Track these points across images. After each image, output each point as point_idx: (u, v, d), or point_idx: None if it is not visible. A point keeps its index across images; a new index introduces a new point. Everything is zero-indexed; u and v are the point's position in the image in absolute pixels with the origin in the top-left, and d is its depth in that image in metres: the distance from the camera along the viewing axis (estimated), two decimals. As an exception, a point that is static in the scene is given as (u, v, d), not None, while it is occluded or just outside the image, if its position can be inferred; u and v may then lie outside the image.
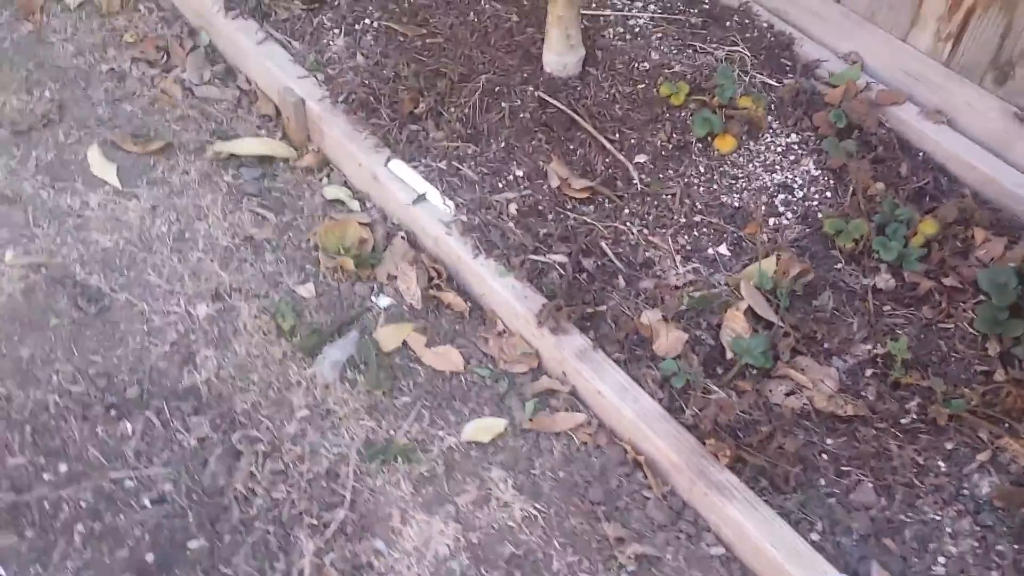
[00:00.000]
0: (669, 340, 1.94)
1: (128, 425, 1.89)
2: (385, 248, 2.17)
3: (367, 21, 2.50)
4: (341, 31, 2.47)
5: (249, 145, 2.35)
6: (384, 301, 2.11)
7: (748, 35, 2.55)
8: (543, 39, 2.39)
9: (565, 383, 1.96)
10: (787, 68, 2.48)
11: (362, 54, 2.42)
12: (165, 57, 2.54)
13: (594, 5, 2.60)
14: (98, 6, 2.64)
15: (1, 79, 2.44)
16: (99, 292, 2.05)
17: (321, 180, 2.32)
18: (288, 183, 2.30)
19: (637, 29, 2.55)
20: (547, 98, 2.32)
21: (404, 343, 2.05)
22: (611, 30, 2.54)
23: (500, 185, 2.19)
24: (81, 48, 2.54)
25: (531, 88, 2.34)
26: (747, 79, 2.43)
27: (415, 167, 2.20)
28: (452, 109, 2.31)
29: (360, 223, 2.20)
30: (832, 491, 1.82)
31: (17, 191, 2.21)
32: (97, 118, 2.38)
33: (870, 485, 1.82)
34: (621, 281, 2.04)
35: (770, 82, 2.43)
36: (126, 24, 2.60)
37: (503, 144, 2.25)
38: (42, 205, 2.19)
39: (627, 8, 2.61)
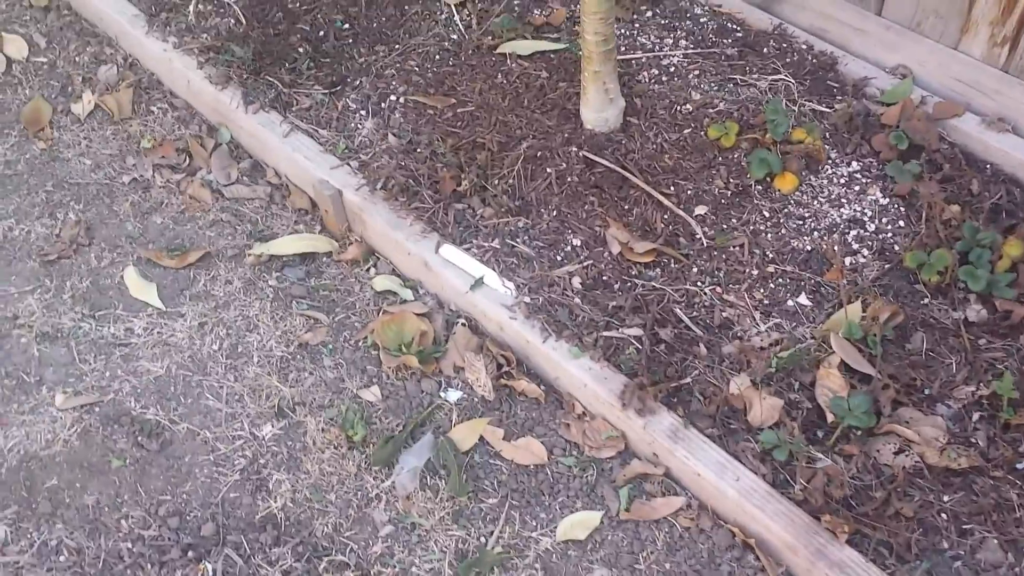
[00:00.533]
0: (764, 408, 1.83)
1: (208, 566, 1.79)
2: (447, 339, 2.07)
3: (392, 98, 2.40)
4: (368, 112, 2.37)
5: (289, 244, 2.25)
6: (454, 395, 2.01)
7: (788, 60, 2.44)
8: (578, 93, 2.28)
9: (658, 465, 1.85)
10: (835, 90, 2.37)
11: (393, 134, 2.32)
12: (187, 159, 2.44)
13: (623, 49, 2.49)
14: (109, 113, 2.54)
15: (21, 205, 2.34)
16: (158, 425, 1.96)
17: (368, 271, 2.22)
18: (335, 279, 2.20)
19: (672, 69, 2.44)
20: (593, 157, 2.21)
21: (481, 439, 1.95)
22: (645, 73, 2.43)
23: (559, 258, 2.08)
24: (99, 161, 2.44)
25: (574, 148, 2.24)
26: (796, 108, 2.32)
27: (467, 249, 2.10)
28: (496, 182, 2.20)
29: (417, 314, 2.09)
30: (957, 553, 1.70)
31: (57, 327, 2.11)
32: (128, 235, 2.28)
33: (995, 541, 1.71)
34: (702, 348, 1.93)
35: (820, 108, 2.32)
36: (141, 129, 2.50)
37: (555, 213, 2.15)
38: (85, 338, 2.09)
39: (657, 47, 2.50)
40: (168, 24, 2.59)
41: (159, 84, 2.62)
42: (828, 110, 2.31)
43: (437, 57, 2.49)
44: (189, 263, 2.22)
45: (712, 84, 2.39)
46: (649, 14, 2.59)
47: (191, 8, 2.61)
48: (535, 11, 2.60)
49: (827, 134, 2.26)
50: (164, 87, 2.61)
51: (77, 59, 2.69)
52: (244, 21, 2.57)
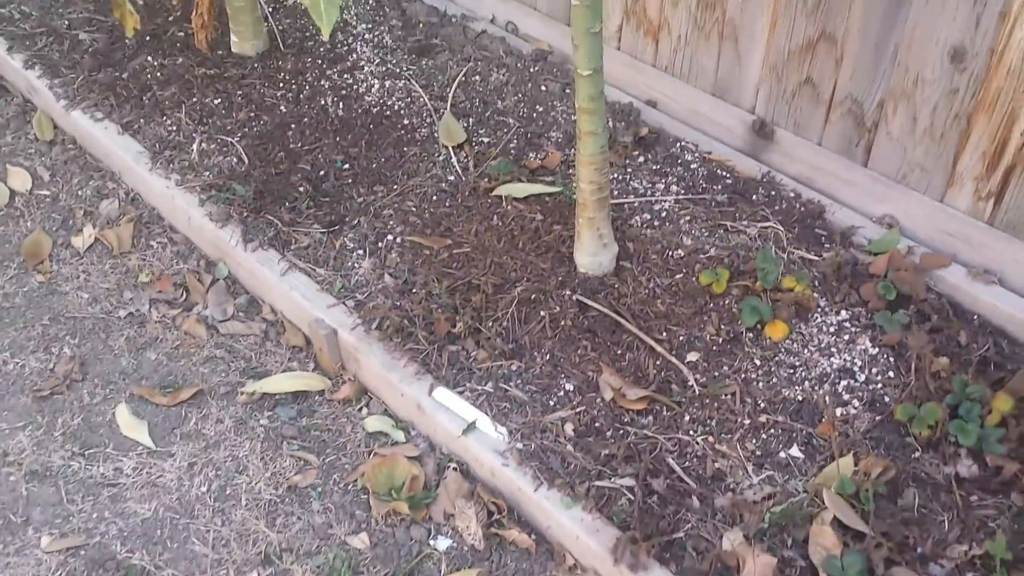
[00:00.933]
0: (758, 567, 1.81)
1: None
2: (438, 483, 2.06)
3: (390, 237, 2.44)
4: (365, 251, 2.41)
5: (282, 382, 2.25)
6: (443, 544, 1.99)
7: (777, 207, 2.50)
8: (572, 236, 2.33)
9: (650, 620, 1.82)
10: (823, 238, 2.42)
11: (389, 274, 2.35)
12: (184, 294, 2.46)
13: (616, 193, 2.55)
14: (109, 247, 2.58)
15: (17, 339, 2.35)
16: (143, 571, 1.92)
17: (360, 410, 2.22)
18: (327, 418, 2.20)
19: (664, 214, 2.49)
20: (586, 301, 2.24)
21: (470, 590, 1.92)
22: (638, 218, 2.48)
23: (552, 403, 2.09)
24: (96, 295, 2.46)
25: (568, 292, 2.27)
26: (785, 256, 2.36)
27: (460, 392, 2.11)
28: (490, 324, 2.22)
29: (408, 457, 2.09)
30: None
31: (46, 465, 2.09)
32: (121, 371, 2.29)
33: None
34: (695, 501, 1.92)
35: (809, 256, 2.36)
36: (139, 263, 2.53)
37: (548, 356, 2.17)
38: (74, 477, 2.07)
39: (649, 192, 2.56)
40: (172, 161, 2.64)
41: (160, 219, 2.66)
42: (817, 258, 2.36)
43: (434, 198, 2.54)
44: (181, 400, 2.22)
45: (703, 230, 2.44)
46: (641, 159, 2.66)
47: (194, 147, 2.67)
48: (531, 154, 2.67)
49: (816, 282, 2.30)
50: (165, 222, 2.65)
51: (79, 193, 2.74)
52: (246, 160, 2.63)
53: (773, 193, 2.55)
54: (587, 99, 2.06)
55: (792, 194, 2.54)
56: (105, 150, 2.78)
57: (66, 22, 3.17)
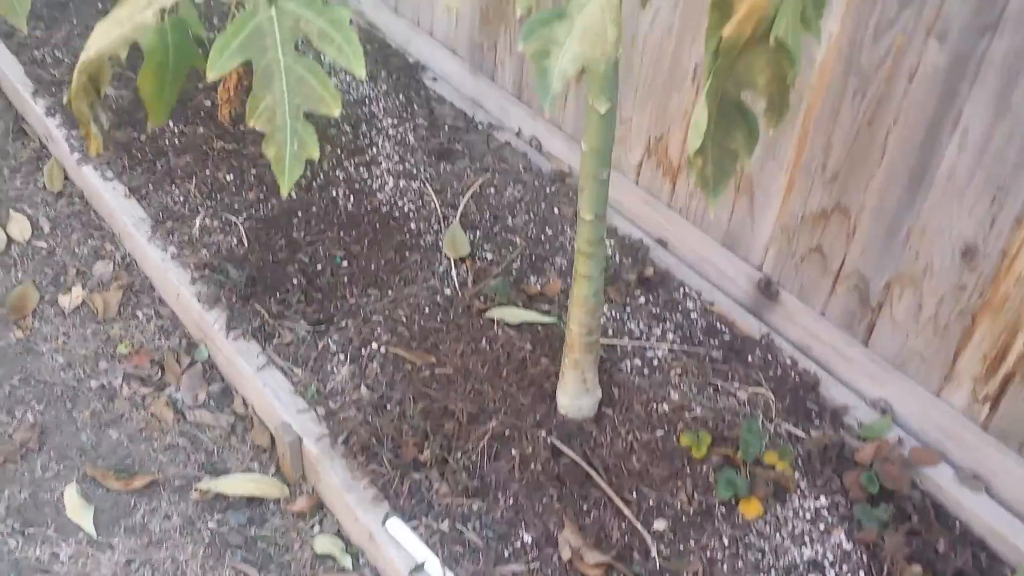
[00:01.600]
0: None
1: None
2: (378, 619, 1.99)
3: (375, 346, 2.39)
4: (347, 357, 2.36)
5: (238, 484, 2.19)
6: None
7: (772, 372, 2.44)
8: (558, 372, 2.28)
9: None
10: (814, 413, 2.36)
11: (367, 385, 2.30)
12: (159, 372, 2.42)
13: (610, 332, 2.50)
14: (94, 311, 2.54)
15: (-17, 397, 2.31)
16: (57, 670, 1.86)
17: (313, 527, 2.15)
18: (277, 531, 2.13)
19: (656, 362, 2.44)
20: (560, 446, 2.18)
21: None
22: (628, 362, 2.43)
23: (506, 553, 2.01)
24: (72, 360, 2.42)
25: (544, 433, 2.21)
26: (772, 427, 2.30)
27: (415, 527, 2.04)
28: (459, 455, 2.16)
29: (352, 585, 2.02)
30: None
31: (-17, 538, 2.04)
32: (80, 447, 2.23)
33: None
34: None
35: (797, 432, 2.30)
36: (121, 333, 2.50)
37: (512, 501, 2.10)
38: (8, 556, 2.01)
39: (645, 336, 2.51)
40: (172, 233, 2.62)
41: (151, 289, 2.63)
42: (804, 435, 2.29)
43: (427, 310, 2.50)
44: (134, 488, 2.16)
45: (693, 386, 2.38)
46: (643, 300, 2.62)
47: (197, 221, 2.65)
48: (532, 278, 2.64)
49: (799, 461, 2.23)
50: (155, 293, 2.62)
51: (77, 250, 2.72)
52: (247, 243, 2.61)
53: (770, 357, 2.49)
54: (586, 243, 2.02)
55: (789, 360, 2.48)
56: (109, 210, 2.77)
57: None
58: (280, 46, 1.26)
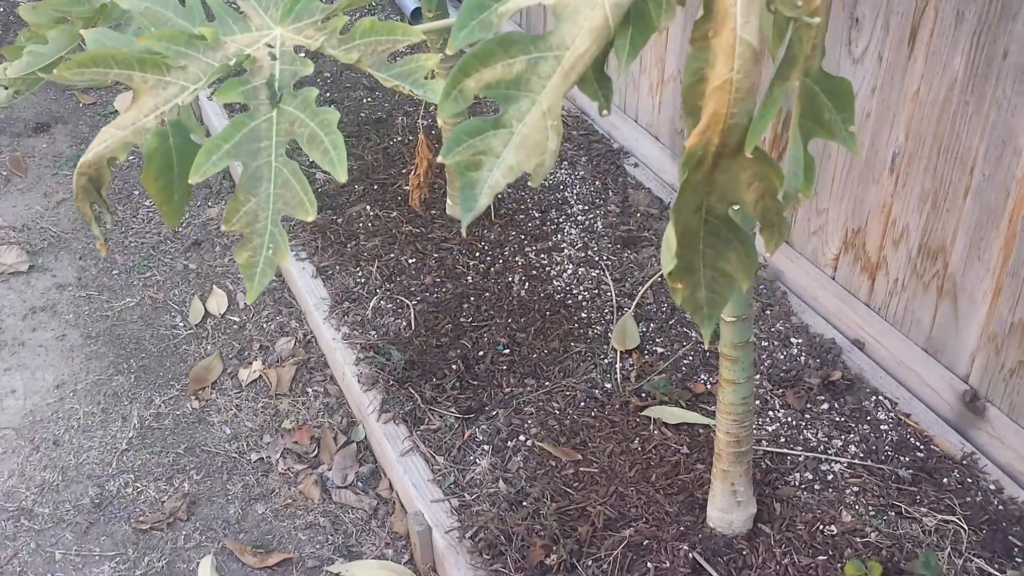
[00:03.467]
0: None
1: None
2: None
3: (521, 438, 2.30)
4: (491, 448, 2.28)
5: (369, 570, 2.15)
6: None
7: (968, 499, 2.11)
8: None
9: None
10: (1015, 551, 2.00)
11: (505, 479, 2.20)
12: (316, 450, 2.44)
13: (782, 440, 2.27)
14: (268, 385, 2.63)
15: (148, 463, 2.42)
16: None
17: (436, 623, 2.07)
18: (399, 623, 2.07)
19: (830, 477, 2.17)
20: (703, 563, 1.98)
21: None
22: (798, 475, 2.18)
23: None
24: (238, 432, 2.50)
25: (686, 546, 2.01)
26: (960, 563, 1.97)
27: (530, 637, 1.91)
28: (589, 563, 2.01)
29: None
30: None
31: (119, 602, 2.11)
32: (225, 519, 2.28)
33: None
34: None
35: (990, 570, 1.95)
36: (289, 408, 2.56)
37: (638, 619, 1.92)
38: (139, 620, 2.07)
39: (822, 448, 2.25)
40: (347, 314, 2.68)
41: (324, 367, 2.69)
42: (999, 574, 1.95)
43: (582, 404, 2.38)
44: (267, 565, 2.17)
45: (870, 507, 2.10)
46: (825, 406, 2.36)
47: (372, 303, 2.69)
48: (701, 376, 2.45)
49: (988, 609, 1.90)
50: (328, 371, 2.68)
51: (265, 325, 2.83)
52: (413, 326, 2.61)
53: (969, 480, 2.16)
54: (730, 346, 1.84)
55: (992, 487, 2.14)
56: (297, 289, 2.87)
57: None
58: (275, 149, 1.24)
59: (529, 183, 0.97)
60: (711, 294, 1.16)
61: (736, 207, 1.12)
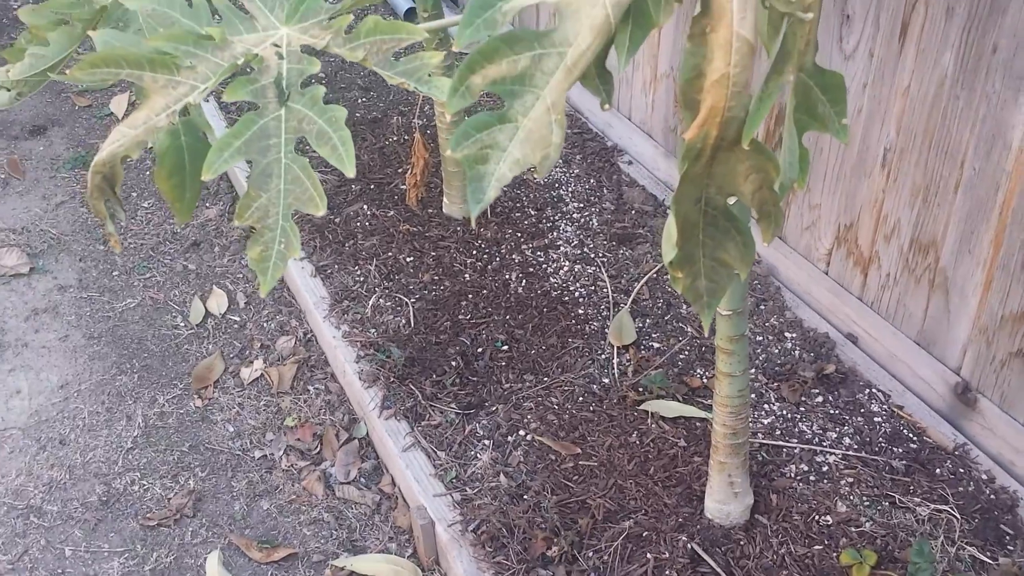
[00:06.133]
0: None
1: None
2: None
3: (521, 433, 2.33)
4: (491, 442, 2.31)
5: (373, 564, 2.18)
6: None
7: (961, 488, 2.14)
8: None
9: None
10: (1006, 538, 2.04)
11: (506, 473, 2.23)
12: (319, 447, 2.47)
13: (778, 432, 2.30)
14: (269, 384, 2.65)
15: (153, 461, 2.44)
16: None
17: (440, 616, 2.10)
18: (403, 615, 2.10)
19: (825, 468, 2.21)
20: (702, 553, 2.01)
21: None
22: (794, 467, 2.22)
23: (624, 666, 1.87)
24: (241, 430, 2.53)
25: (685, 537, 2.04)
26: (952, 551, 2.01)
27: (532, 626, 1.94)
28: (589, 554, 2.04)
29: None
30: None
31: (128, 596, 2.14)
32: (231, 516, 2.31)
33: None
34: None
35: (982, 557, 1.99)
36: (291, 405, 2.58)
37: (639, 609, 1.95)
38: (146, 615, 2.10)
39: (817, 439, 2.29)
40: (347, 312, 2.71)
41: (325, 365, 2.71)
42: (991, 562, 1.98)
43: (580, 399, 2.41)
44: (273, 560, 2.20)
45: (864, 498, 2.13)
46: (820, 399, 2.39)
47: (371, 301, 2.72)
48: (697, 371, 2.48)
49: (982, 594, 1.93)
50: (328, 369, 2.70)
51: (265, 325, 2.86)
52: (412, 324, 2.64)
53: (962, 471, 2.19)
54: (726, 340, 1.88)
55: (984, 476, 2.18)
56: (297, 288, 2.90)
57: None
58: (284, 146, 1.27)
59: (535, 176, 1.00)
60: (711, 283, 1.19)
61: (734, 199, 1.15)
